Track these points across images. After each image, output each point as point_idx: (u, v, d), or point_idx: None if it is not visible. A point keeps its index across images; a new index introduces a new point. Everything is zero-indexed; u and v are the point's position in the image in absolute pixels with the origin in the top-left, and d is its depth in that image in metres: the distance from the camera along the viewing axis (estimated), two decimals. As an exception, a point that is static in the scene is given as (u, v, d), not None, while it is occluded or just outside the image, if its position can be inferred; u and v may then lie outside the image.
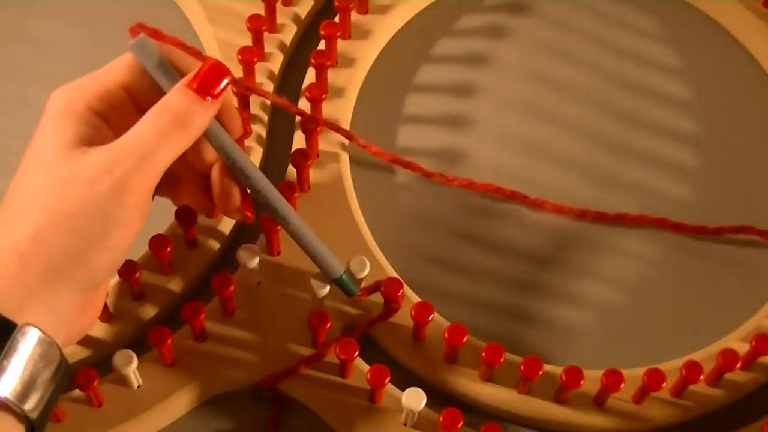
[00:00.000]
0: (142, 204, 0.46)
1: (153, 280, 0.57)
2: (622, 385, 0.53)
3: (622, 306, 0.60)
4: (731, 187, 0.64)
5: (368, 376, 0.53)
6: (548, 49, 0.69)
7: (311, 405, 0.56)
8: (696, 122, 0.66)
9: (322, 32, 0.62)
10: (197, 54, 0.49)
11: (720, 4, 0.69)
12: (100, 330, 0.56)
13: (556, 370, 0.55)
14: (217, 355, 0.56)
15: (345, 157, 0.63)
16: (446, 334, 0.54)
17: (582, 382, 0.53)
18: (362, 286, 0.55)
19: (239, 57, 0.61)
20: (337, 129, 0.60)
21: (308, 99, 0.60)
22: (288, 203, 0.52)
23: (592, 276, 0.61)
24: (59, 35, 0.67)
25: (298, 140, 0.62)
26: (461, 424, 0.52)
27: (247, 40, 0.63)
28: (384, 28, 0.67)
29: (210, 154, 0.50)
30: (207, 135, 0.49)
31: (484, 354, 0.54)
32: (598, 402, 0.55)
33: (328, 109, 0.62)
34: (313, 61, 0.62)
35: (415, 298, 0.58)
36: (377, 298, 0.56)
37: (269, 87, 0.64)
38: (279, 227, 0.55)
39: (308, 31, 0.68)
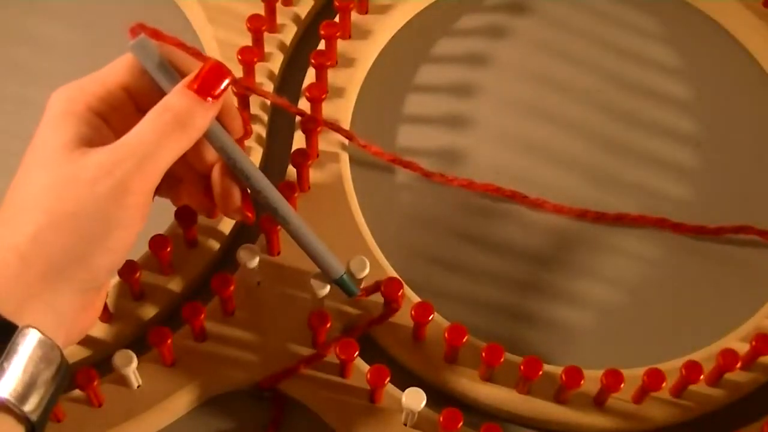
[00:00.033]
0: (143, 205, 0.46)
1: (153, 280, 0.57)
2: (622, 385, 0.53)
3: (622, 306, 0.60)
4: (731, 187, 0.64)
5: (368, 376, 0.53)
6: (548, 49, 0.69)
7: (311, 405, 0.56)
8: (696, 122, 0.66)
9: (322, 32, 0.62)
10: (197, 54, 0.49)
11: (720, 4, 0.69)
12: (100, 330, 0.56)
13: (556, 370, 0.55)
14: (217, 355, 0.56)
15: (345, 157, 0.63)
16: (446, 334, 0.54)
17: (582, 382, 0.53)
18: (362, 286, 0.55)
19: (239, 57, 0.61)
20: (337, 129, 0.60)
21: (308, 99, 0.60)
22: (288, 203, 0.52)
23: (592, 276, 0.61)
24: (59, 35, 0.67)
25: (298, 140, 0.62)
26: (461, 424, 0.52)
27: (247, 40, 0.63)
28: (384, 28, 0.67)
29: (210, 154, 0.50)
30: (207, 135, 0.49)
31: (484, 354, 0.54)
32: (598, 402, 0.55)
33: (328, 109, 0.62)
34: (313, 61, 0.62)
35: (415, 298, 0.58)
36: (377, 298, 0.56)
37: (269, 87, 0.64)
38: (279, 227, 0.55)
39: (308, 31, 0.68)
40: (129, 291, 0.57)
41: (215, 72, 0.47)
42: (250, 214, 0.52)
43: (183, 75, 0.48)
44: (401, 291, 0.56)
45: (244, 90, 0.57)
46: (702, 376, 0.54)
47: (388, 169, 0.64)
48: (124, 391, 0.54)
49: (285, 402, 0.56)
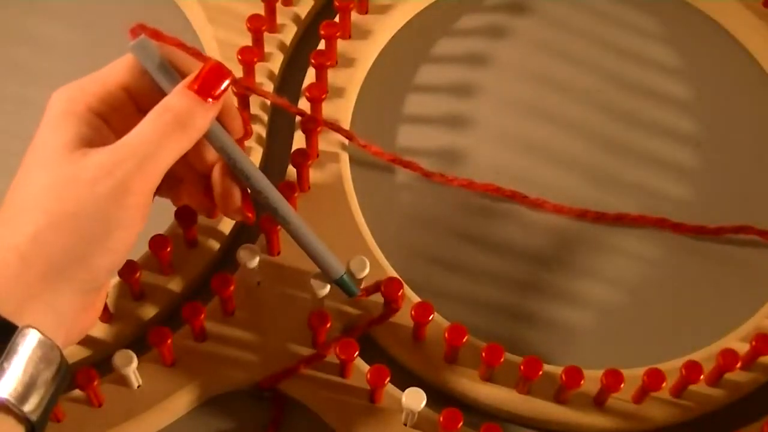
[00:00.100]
0: (143, 205, 0.46)
1: (153, 280, 0.57)
2: (622, 385, 0.53)
3: (622, 306, 0.60)
4: (731, 187, 0.64)
5: (368, 376, 0.53)
6: (548, 49, 0.69)
7: (311, 405, 0.56)
8: (696, 122, 0.66)
9: (322, 32, 0.62)
10: (198, 54, 0.49)
11: (720, 4, 0.69)
12: (100, 330, 0.56)
13: (556, 370, 0.55)
14: (217, 355, 0.56)
15: (345, 157, 0.63)
16: (446, 334, 0.54)
17: (582, 382, 0.53)
18: (362, 286, 0.55)
19: (239, 57, 0.61)
20: (337, 129, 0.60)
21: (308, 99, 0.60)
22: (288, 203, 0.52)
23: (592, 276, 0.61)
24: (59, 35, 0.67)
25: (298, 140, 0.62)
26: (461, 424, 0.52)
27: (247, 40, 0.63)
28: (384, 28, 0.67)
29: (211, 154, 0.50)
30: (208, 136, 0.49)
31: (484, 354, 0.54)
32: (598, 402, 0.55)
33: (328, 109, 0.62)
34: (313, 61, 0.62)
35: (415, 298, 0.58)
36: (377, 298, 0.56)
37: (269, 87, 0.64)
38: (279, 227, 0.55)
39: (308, 31, 0.68)
40: (129, 291, 0.57)
41: (215, 72, 0.47)
42: (250, 214, 0.52)
43: (183, 75, 0.48)
44: (401, 291, 0.56)
45: (244, 90, 0.57)
46: (702, 376, 0.54)
47: (388, 169, 0.64)
48: (124, 391, 0.54)
49: (285, 402, 0.56)
